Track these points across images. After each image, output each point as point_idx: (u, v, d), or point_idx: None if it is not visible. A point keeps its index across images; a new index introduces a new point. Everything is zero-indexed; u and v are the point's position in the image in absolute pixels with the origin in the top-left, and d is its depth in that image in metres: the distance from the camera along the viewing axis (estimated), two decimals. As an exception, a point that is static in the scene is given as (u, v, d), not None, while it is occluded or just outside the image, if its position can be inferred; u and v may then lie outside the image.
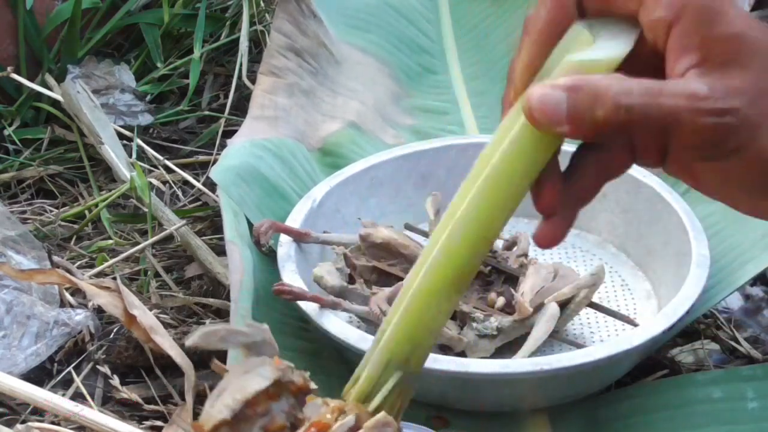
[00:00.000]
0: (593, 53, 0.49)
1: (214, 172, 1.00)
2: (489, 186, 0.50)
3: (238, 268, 0.87)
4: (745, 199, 0.53)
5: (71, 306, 1.00)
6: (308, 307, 0.86)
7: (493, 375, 0.81)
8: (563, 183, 0.51)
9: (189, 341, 0.52)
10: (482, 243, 0.51)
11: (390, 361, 0.53)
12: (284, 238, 0.94)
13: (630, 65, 0.50)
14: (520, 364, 0.82)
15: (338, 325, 0.84)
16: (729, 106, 0.47)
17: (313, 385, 0.53)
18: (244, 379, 0.51)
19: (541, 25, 0.50)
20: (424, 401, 0.85)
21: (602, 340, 0.93)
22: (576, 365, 0.81)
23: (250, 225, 0.96)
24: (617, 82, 0.47)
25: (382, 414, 0.52)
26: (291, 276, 0.89)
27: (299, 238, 0.94)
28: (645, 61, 0.50)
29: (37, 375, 0.93)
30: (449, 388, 0.83)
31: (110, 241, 1.11)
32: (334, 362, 0.88)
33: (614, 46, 0.49)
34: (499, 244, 0.95)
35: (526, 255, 0.94)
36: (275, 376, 0.51)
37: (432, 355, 0.81)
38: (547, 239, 0.52)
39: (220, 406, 0.50)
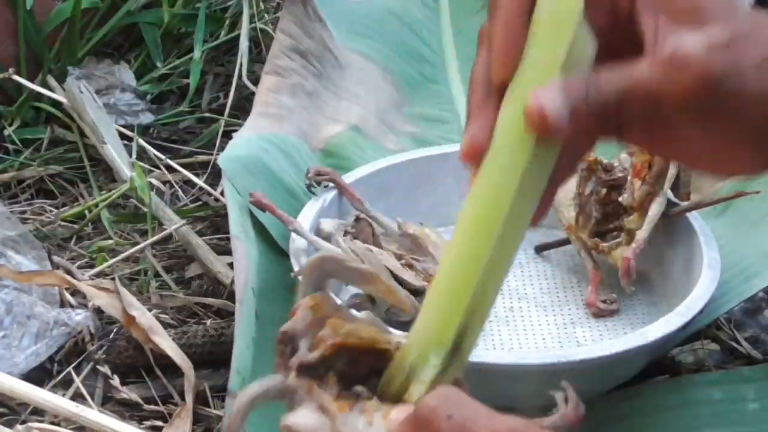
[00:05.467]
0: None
1: (221, 160, 1.00)
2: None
3: (243, 266, 0.88)
4: (726, 155, 0.51)
5: (71, 306, 1.00)
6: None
7: (510, 366, 0.81)
8: None
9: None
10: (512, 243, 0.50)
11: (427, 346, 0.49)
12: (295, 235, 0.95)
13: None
14: (536, 356, 0.83)
15: None
16: (713, 60, 0.46)
17: None
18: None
19: (507, 15, 0.50)
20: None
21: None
22: (592, 358, 0.81)
23: (254, 220, 0.96)
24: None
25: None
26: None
27: (352, 198, 0.98)
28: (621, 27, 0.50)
29: (37, 375, 0.93)
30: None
31: (110, 241, 1.11)
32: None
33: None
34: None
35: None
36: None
37: None
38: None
39: None
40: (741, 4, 0.49)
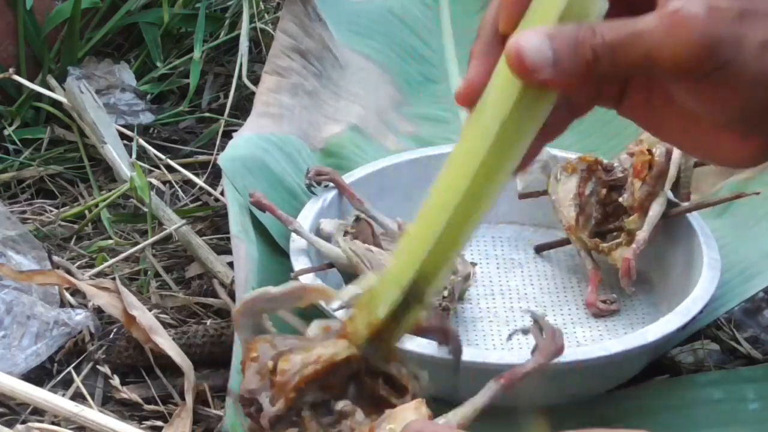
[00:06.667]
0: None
1: (221, 160, 1.00)
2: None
3: (243, 265, 0.88)
4: (723, 140, 0.51)
5: (71, 306, 1.00)
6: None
7: (510, 366, 0.80)
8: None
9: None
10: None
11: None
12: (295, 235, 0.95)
13: None
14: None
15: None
16: (716, 25, 0.45)
17: None
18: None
19: None
20: (432, 394, 0.85)
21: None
22: (592, 358, 0.81)
23: (254, 220, 0.96)
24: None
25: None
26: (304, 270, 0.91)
27: (352, 198, 0.98)
28: None
29: (37, 375, 0.93)
30: (463, 380, 0.83)
31: (110, 241, 1.11)
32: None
33: None
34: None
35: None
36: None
37: None
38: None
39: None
40: None
